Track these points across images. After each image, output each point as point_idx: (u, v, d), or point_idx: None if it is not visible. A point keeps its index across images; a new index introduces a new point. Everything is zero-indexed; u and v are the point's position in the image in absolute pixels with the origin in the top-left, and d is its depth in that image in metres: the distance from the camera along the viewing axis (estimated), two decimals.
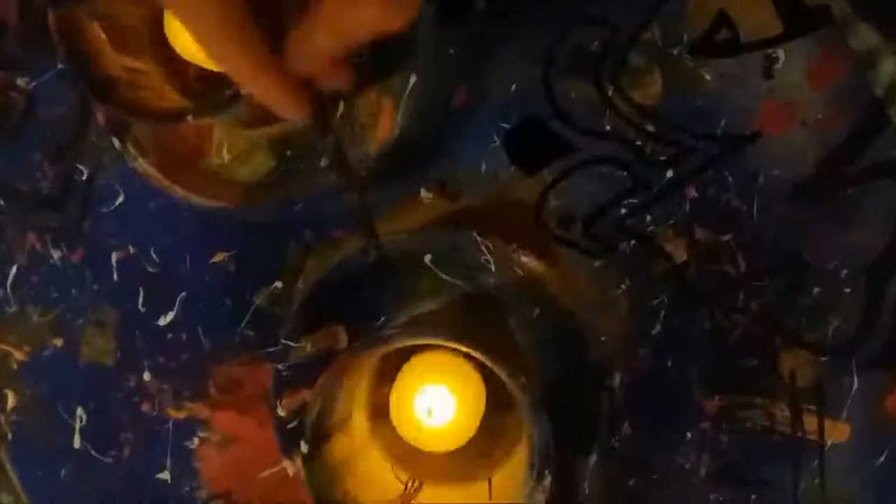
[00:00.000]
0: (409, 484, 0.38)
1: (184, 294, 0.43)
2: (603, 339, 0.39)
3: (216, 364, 0.43)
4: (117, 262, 0.43)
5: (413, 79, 0.39)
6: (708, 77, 0.39)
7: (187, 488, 0.44)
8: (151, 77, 0.38)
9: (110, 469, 0.44)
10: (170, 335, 0.43)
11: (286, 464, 0.40)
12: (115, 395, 0.44)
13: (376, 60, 0.38)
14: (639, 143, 0.40)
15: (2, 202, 0.44)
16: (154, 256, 0.43)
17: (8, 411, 0.45)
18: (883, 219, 0.38)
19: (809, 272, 0.39)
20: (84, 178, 0.43)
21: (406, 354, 0.40)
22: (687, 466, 0.40)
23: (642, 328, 0.40)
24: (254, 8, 0.24)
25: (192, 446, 0.44)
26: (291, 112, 0.27)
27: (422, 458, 0.39)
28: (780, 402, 0.39)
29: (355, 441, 0.37)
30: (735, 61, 0.39)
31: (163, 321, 0.43)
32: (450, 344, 0.34)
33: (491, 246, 0.39)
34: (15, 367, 0.45)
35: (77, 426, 0.44)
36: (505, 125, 0.40)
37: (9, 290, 0.44)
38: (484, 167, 0.41)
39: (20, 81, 0.43)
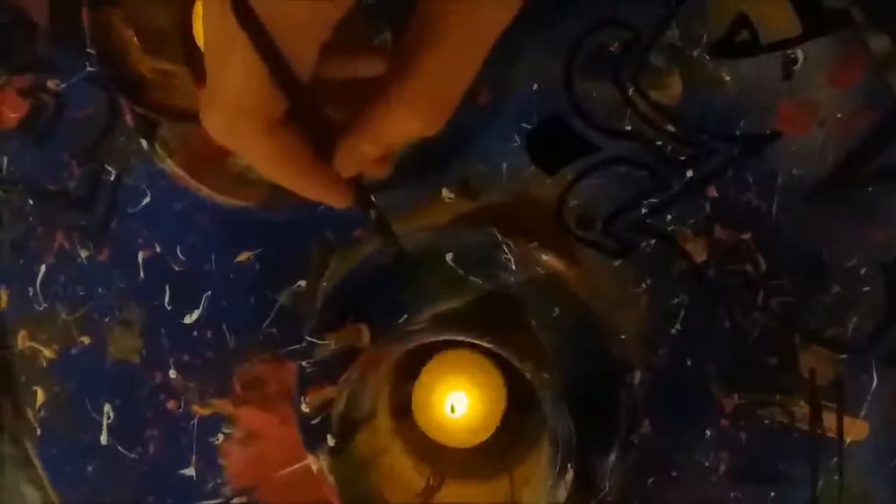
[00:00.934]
0: (431, 479, 0.38)
1: (209, 292, 0.44)
2: (623, 337, 0.40)
3: (240, 362, 0.44)
4: (144, 260, 0.44)
5: None
6: (727, 78, 0.39)
7: (212, 484, 0.44)
8: (180, 79, 0.38)
9: (136, 465, 0.45)
10: (195, 333, 0.44)
11: (309, 460, 0.41)
12: (141, 392, 0.45)
13: None
14: (659, 143, 0.40)
15: (31, 202, 0.45)
16: (180, 255, 0.44)
17: (37, 407, 0.46)
18: None
19: (828, 271, 0.39)
20: (111, 178, 0.44)
21: (428, 354, 0.40)
22: (706, 464, 0.41)
23: (662, 327, 0.41)
24: (298, 122, 0.27)
25: (216, 443, 0.44)
26: (339, 203, 0.30)
27: (444, 454, 0.40)
28: (799, 400, 0.40)
29: (380, 437, 0.38)
30: (754, 62, 0.39)
31: (188, 319, 0.44)
32: (472, 340, 0.34)
33: (512, 244, 0.39)
34: (44, 364, 0.45)
35: (104, 423, 0.45)
36: (526, 125, 0.41)
37: (38, 288, 0.45)
38: (505, 166, 0.41)
39: (50, 83, 0.44)
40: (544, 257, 0.40)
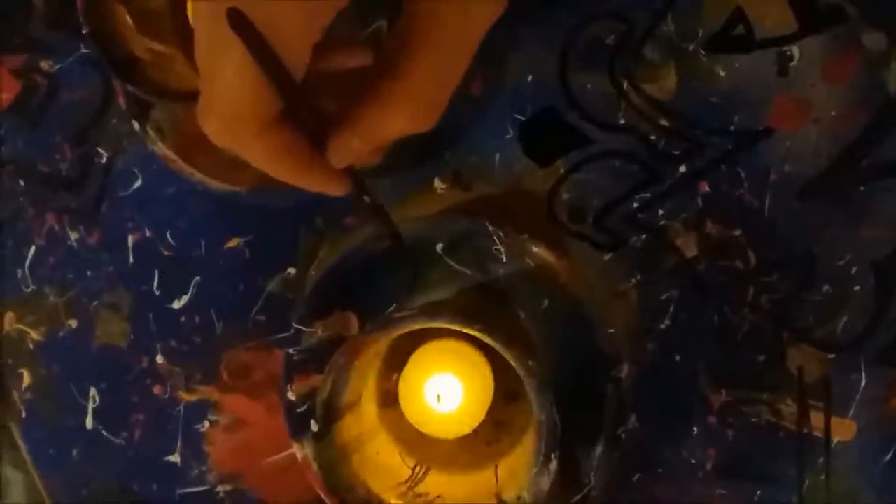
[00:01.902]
0: (417, 469, 0.38)
1: (198, 278, 0.44)
2: (611, 330, 0.40)
3: (228, 348, 0.44)
4: (133, 245, 0.44)
5: None
6: (722, 73, 0.39)
7: (196, 471, 0.44)
8: (174, 60, 0.38)
9: (121, 450, 0.45)
10: (183, 318, 0.44)
11: (294, 448, 0.41)
12: (127, 376, 0.45)
13: None
14: (652, 137, 0.40)
15: (22, 183, 0.45)
16: (170, 240, 0.44)
17: (23, 390, 0.45)
18: (893, 216, 0.38)
19: (819, 268, 0.39)
20: (103, 161, 0.44)
21: (415, 343, 0.40)
22: (693, 460, 0.40)
23: (651, 322, 0.40)
24: (293, 119, 0.28)
25: (202, 429, 0.44)
26: (335, 192, 0.31)
27: (429, 445, 0.39)
28: (786, 398, 0.40)
29: (364, 425, 0.38)
30: (750, 57, 0.39)
31: (177, 304, 0.44)
32: (459, 328, 0.34)
33: (503, 235, 0.39)
34: (31, 346, 0.45)
35: (90, 406, 0.45)
36: (520, 116, 0.41)
37: (27, 270, 0.45)
38: (498, 157, 0.41)
39: (44, 64, 0.44)
40: (535, 249, 0.39)
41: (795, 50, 0.39)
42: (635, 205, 0.40)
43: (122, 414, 0.45)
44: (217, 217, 0.43)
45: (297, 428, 0.40)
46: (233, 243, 0.43)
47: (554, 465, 0.33)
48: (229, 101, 0.27)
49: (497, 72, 0.41)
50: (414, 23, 0.28)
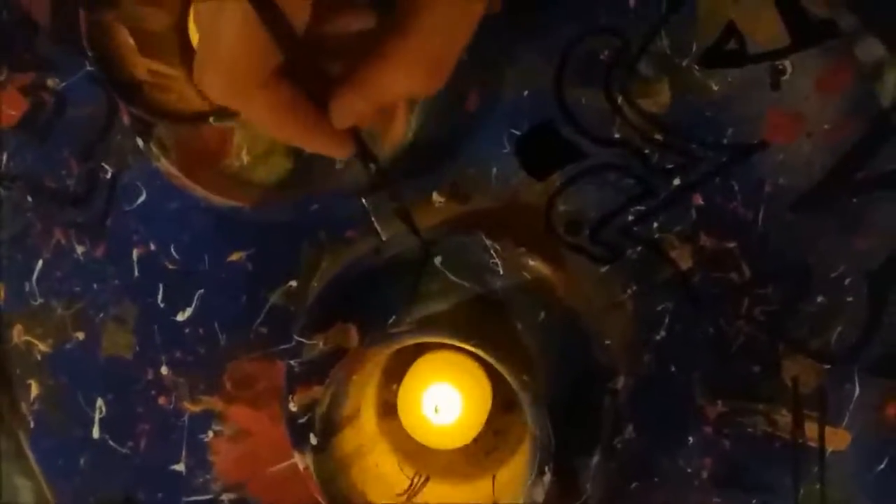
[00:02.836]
0: (415, 479, 0.39)
1: (202, 291, 0.44)
2: (607, 342, 0.40)
3: (231, 359, 0.44)
4: (138, 258, 0.45)
5: None
6: (716, 87, 0.40)
7: (201, 480, 0.45)
8: (176, 80, 0.39)
9: (127, 459, 0.46)
10: (187, 330, 0.45)
11: (297, 458, 0.41)
12: (133, 387, 0.45)
13: None
14: (647, 150, 0.40)
15: (30, 198, 0.46)
16: (174, 254, 0.45)
17: (31, 401, 0.46)
18: (887, 228, 0.39)
19: (813, 280, 0.40)
20: (109, 176, 0.45)
21: (414, 354, 0.41)
22: (689, 470, 0.41)
23: (647, 333, 0.41)
24: (295, 76, 0.28)
25: (206, 439, 0.45)
26: (339, 154, 0.31)
27: (428, 455, 0.40)
28: (781, 409, 0.40)
29: (363, 436, 0.38)
30: (743, 72, 0.39)
31: (181, 317, 0.45)
32: (457, 343, 0.35)
33: (500, 249, 0.40)
34: (39, 358, 0.46)
35: (96, 417, 0.46)
36: (516, 131, 0.41)
37: (34, 283, 0.46)
38: (494, 171, 0.42)
39: (50, 82, 0.45)
40: (531, 262, 0.40)
41: (788, 64, 0.39)
42: (630, 217, 0.41)
43: (128, 424, 0.45)
44: (220, 231, 0.44)
45: (299, 438, 0.41)
46: (235, 257, 0.44)
47: (548, 477, 0.33)
48: (229, 56, 0.26)
49: (493, 86, 0.41)
50: None
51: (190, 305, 0.44)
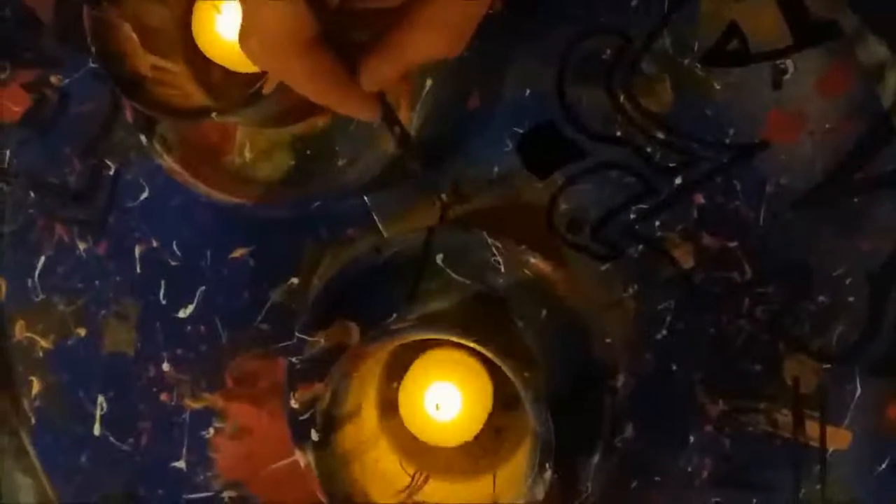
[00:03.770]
0: (416, 476, 0.39)
1: (203, 288, 0.44)
2: (608, 340, 0.40)
3: (233, 357, 0.44)
4: (140, 255, 0.45)
5: (429, 82, 0.40)
6: (718, 86, 0.40)
7: (202, 477, 0.45)
8: (178, 76, 0.39)
9: (128, 456, 0.46)
10: (189, 327, 0.45)
11: (297, 455, 0.41)
12: (134, 384, 0.45)
13: None
14: (648, 149, 0.40)
15: (32, 195, 0.46)
16: (176, 250, 0.45)
17: (32, 397, 0.46)
18: (888, 227, 0.39)
19: (814, 279, 0.40)
20: (111, 172, 0.45)
21: (415, 352, 0.41)
22: (689, 469, 0.41)
23: (648, 332, 0.41)
24: (330, 42, 0.30)
25: (207, 436, 0.45)
26: (369, 117, 0.32)
27: (428, 453, 0.40)
28: (782, 408, 0.40)
29: (364, 433, 0.38)
30: (745, 71, 0.40)
31: (183, 314, 0.45)
32: (458, 339, 0.35)
33: (501, 247, 0.40)
34: (41, 354, 0.46)
35: (98, 414, 0.46)
36: (518, 129, 0.41)
37: (37, 280, 0.46)
38: (496, 170, 0.42)
39: (53, 78, 0.45)
40: (533, 260, 0.40)
41: (790, 63, 0.39)
42: (632, 216, 0.41)
43: (129, 421, 0.45)
44: (222, 228, 0.44)
45: (300, 435, 0.41)
46: (237, 254, 0.44)
47: (549, 474, 0.33)
48: (271, 20, 0.28)
49: (495, 85, 0.41)
50: None
51: (192, 302, 0.45)
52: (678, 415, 0.41)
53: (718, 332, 0.40)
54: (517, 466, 0.38)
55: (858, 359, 0.39)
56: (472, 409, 0.39)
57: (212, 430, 0.45)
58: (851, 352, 0.39)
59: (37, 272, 0.46)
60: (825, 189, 0.39)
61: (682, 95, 0.40)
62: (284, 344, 0.43)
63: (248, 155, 0.43)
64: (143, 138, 0.42)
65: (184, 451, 0.45)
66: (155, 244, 0.45)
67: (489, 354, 0.34)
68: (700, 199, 0.40)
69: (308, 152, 0.42)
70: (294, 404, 0.41)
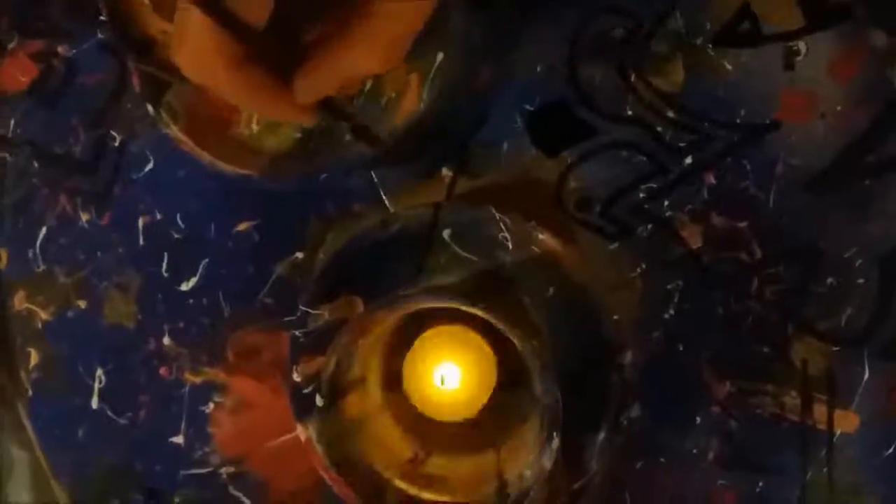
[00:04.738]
0: (419, 451, 0.38)
1: (207, 260, 0.44)
2: (616, 317, 0.40)
3: (235, 330, 0.44)
4: (144, 227, 0.45)
5: (440, 56, 0.40)
6: (729, 67, 0.40)
7: (200, 452, 0.44)
8: None
9: (126, 430, 0.45)
10: (191, 300, 0.44)
11: (299, 430, 0.41)
12: (134, 357, 0.45)
13: None
14: (659, 128, 0.40)
15: (36, 164, 0.45)
16: (180, 223, 0.44)
17: (30, 369, 0.46)
18: None
19: (824, 261, 0.39)
20: (116, 144, 0.45)
21: (419, 329, 0.40)
22: (695, 451, 0.40)
23: (655, 311, 0.41)
24: (262, 57, 0.30)
25: (207, 411, 0.44)
26: (305, 122, 0.34)
27: (430, 429, 0.40)
28: (790, 390, 0.40)
29: (368, 404, 0.38)
30: (756, 52, 0.39)
31: (185, 286, 0.44)
32: (465, 307, 0.34)
33: (510, 222, 0.40)
34: (39, 326, 0.46)
35: (96, 387, 0.45)
36: (528, 107, 0.41)
37: (38, 250, 0.45)
38: (506, 147, 0.42)
39: (61, 49, 0.45)
40: (541, 237, 0.40)
41: (802, 45, 0.39)
42: (642, 195, 0.41)
43: (127, 394, 0.45)
44: (227, 200, 0.44)
45: (302, 409, 0.40)
46: (242, 227, 0.44)
47: (556, 443, 0.33)
48: (199, 38, 0.29)
49: (506, 62, 0.41)
50: None
51: (195, 275, 0.44)
52: (685, 395, 0.41)
53: (726, 312, 0.40)
54: (521, 441, 0.38)
55: (867, 341, 0.39)
56: (475, 384, 0.39)
57: (211, 405, 0.44)
58: (860, 334, 0.39)
59: (38, 243, 0.45)
60: (836, 171, 0.39)
61: (693, 75, 0.40)
62: (288, 318, 0.43)
63: (255, 126, 0.42)
64: (149, 108, 0.42)
65: (182, 426, 0.44)
66: (159, 216, 0.44)
67: (497, 323, 0.34)
68: (710, 178, 0.40)
69: (315, 126, 0.42)
70: (297, 377, 0.40)
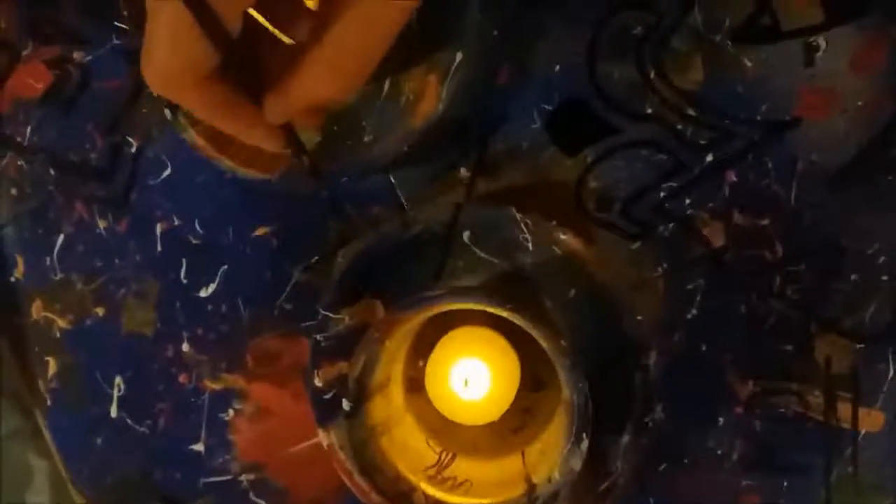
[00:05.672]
0: (443, 455, 0.38)
1: (225, 266, 0.44)
2: (639, 318, 0.40)
3: (254, 336, 0.44)
4: (162, 233, 0.44)
5: (459, 56, 0.39)
6: (749, 63, 0.40)
7: (220, 460, 0.44)
8: None
9: (145, 439, 0.45)
10: (210, 307, 0.44)
11: (320, 435, 0.41)
12: (153, 365, 0.45)
13: (425, 35, 0.38)
14: (679, 126, 0.40)
15: (52, 172, 0.45)
16: (198, 228, 0.44)
17: (48, 378, 0.46)
18: None
19: (847, 258, 0.39)
20: (133, 149, 0.44)
21: (441, 332, 0.40)
22: (719, 451, 0.40)
23: (678, 311, 0.40)
24: (231, 75, 0.30)
25: (227, 418, 0.44)
26: (271, 147, 0.33)
27: (454, 432, 0.39)
28: (814, 389, 0.39)
29: (392, 408, 0.38)
30: (776, 48, 0.39)
31: (204, 293, 0.44)
32: (490, 309, 0.34)
33: (530, 223, 0.39)
34: (58, 334, 0.45)
35: (115, 395, 0.45)
36: (547, 106, 0.41)
37: (55, 258, 0.45)
38: (525, 146, 0.41)
39: (76, 55, 0.45)
40: (563, 237, 0.40)
41: (822, 40, 0.39)
42: (662, 194, 0.40)
43: (147, 402, 0.45)
44: (245, 205, 0.44)
45: (324, 414, 0.40)
46: (260, 231, 0.44)
47: (585, 444, 0.33)
48: (166, 53, 0.28)
49: (525, 61, 0.41)
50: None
51: (213, 281, 0.44)
52: (708, 396, 0.40)
53: (749, 311, 0.40)
54: (547, 443, 0.38)
55: (892, 339, 0.39)
56: (500, 388, 0.39)
57: (231, 412, 0.44)
58: (885, 331, 0.39)
59: (55, 250, 0.45)
60: (857, 166, 0.39)
61: (713, 72, 0.40)
62: (307, 323, 0.43)
63: None
64: (167, 112, 0.42)
65: (202, 433, 0.44)
66: (177, 222, 0.44)
67: (522, 324, 0.34)
68: (731, 176, 0.40)
69: (335, 128, 0.42)
70: (318, 383, 0.40)
